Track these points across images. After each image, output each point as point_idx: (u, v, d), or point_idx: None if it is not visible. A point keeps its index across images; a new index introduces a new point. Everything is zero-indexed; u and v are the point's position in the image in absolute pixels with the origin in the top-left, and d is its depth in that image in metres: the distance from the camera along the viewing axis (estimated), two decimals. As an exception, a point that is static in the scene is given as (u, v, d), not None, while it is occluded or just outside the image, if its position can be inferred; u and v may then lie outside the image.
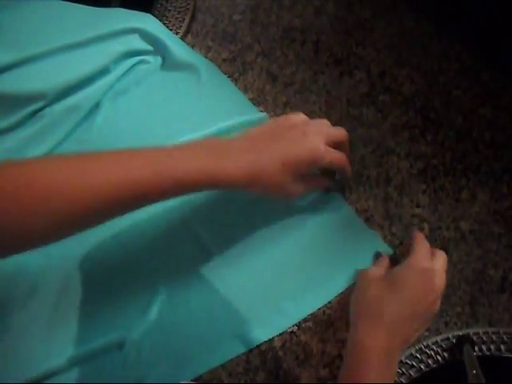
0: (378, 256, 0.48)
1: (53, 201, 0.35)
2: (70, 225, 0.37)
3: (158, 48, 0.60)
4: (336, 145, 0.46)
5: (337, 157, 0.45)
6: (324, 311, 0.47)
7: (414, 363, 0.45)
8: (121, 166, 0.38)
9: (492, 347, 0.45)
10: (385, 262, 0.47)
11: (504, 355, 0.45)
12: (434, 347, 0.46)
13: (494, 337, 0.46)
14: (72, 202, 0.36)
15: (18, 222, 0.35)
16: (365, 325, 0.41)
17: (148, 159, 0.39)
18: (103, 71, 0.57)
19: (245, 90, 0.60)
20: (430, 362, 0.45)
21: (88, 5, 0.60)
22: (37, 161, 0.40)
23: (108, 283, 0.48)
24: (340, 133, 0.47)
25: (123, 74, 0.59)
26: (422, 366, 0.45)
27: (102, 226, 0.41)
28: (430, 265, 0.43)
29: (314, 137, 0.44)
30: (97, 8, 0.60)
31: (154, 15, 0.62)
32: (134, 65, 0.59)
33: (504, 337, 0.45)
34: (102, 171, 0.37)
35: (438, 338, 0.46)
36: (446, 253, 0.49)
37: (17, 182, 0.35)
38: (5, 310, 0.46)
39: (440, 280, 0.43)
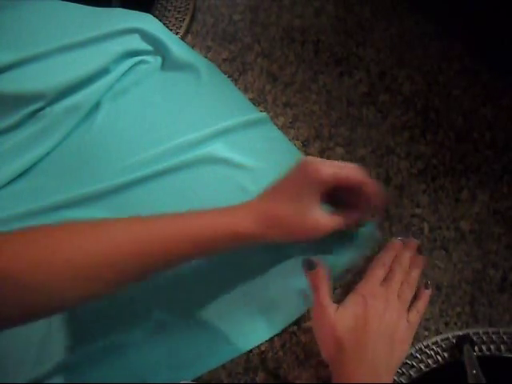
0: (310, 266, 0.44)
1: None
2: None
3: (158, 48, 0.60)
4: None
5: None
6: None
7: (414, 363, 0.45)
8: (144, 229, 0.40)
9: (492, 347, 0.45)
10: (326, 287, 0.44)
11: (504, 355, 0.45)
12: (434, 347, 0.46)
13: (494, 337, 0.46)
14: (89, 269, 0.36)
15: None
16: (349, 366, 0.40)
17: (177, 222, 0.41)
18: (103, 71, 0.57)
19: (245, 90, 0.60)
20: (430, 362, 0.45)
21: (88, 5, 0.60)
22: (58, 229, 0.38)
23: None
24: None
25: (123, 74, 0.59)
26: (422, 366, 0.45)
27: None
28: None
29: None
30: (97, 8, 0.60)
31: (154, 15, 0.62)
32: (134, 65, 0.59)
33: (504, 337, 0.45)
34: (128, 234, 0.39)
35: (438, 338, 0.46)
36: (446, 253, 0.50)
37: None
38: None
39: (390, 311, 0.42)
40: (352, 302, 0.43)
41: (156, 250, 0.39)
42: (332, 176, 0.42)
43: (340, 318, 0.42)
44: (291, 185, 0.44)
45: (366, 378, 0.39)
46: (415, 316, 0.44)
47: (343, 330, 0.41)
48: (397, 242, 0.48)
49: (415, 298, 0.45)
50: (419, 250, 0.48)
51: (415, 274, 0.46)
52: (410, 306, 0.44)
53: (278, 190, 0.44)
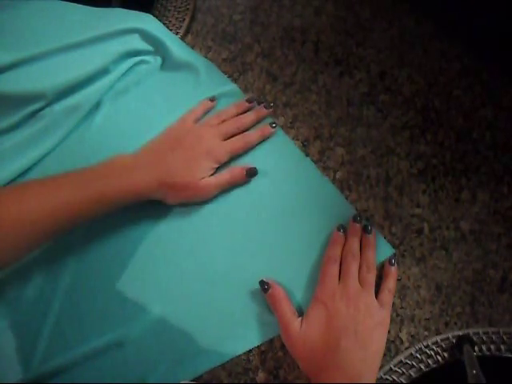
0: (264, 288, 0.45)
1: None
2: (17, 248, 0.42)
3: (158, 48, 0.60)
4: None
5: (234, 145, 0.51)
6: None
7: (414, 363, 0.45)
8: (52, 192, 0.43)
9: (492, 347, 0.45)
10: (285, 306, 0.45)
11: (504, 355, 0.45)
12: (434, 347, 0.46)
13: (493, 337, 0.46)
14: (14, 229, 0.40)
15: None
16: (327, 375, 0.40)
17: (77, 183, 0.44)
18: (103, 71, 0.57)
19: (245, 90, 0.60)
20: (429, 362, 0.45)
21: (88, 5, 0.60)
22: None
23: (108, 282, 0.48)
24: (230, 124, 0.52)
25: (123, 74, 0.59)
26: (422, 366, 0.45)
27: (102, 224, 0.47)
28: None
29: (209, 138, 0.50)
30: (97, 8, 0.60)
31: (154, 15, 0.62)
32: (134, 65, 0.59)
33: (504, 337, 0.45)
34: (37, 198, 0.42)
35: (438, 338, 0.46)
36: (446, 253, 0.50)
37: None
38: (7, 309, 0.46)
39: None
40: (313, 312, 0.43)
41: (65, 211, 0.43)
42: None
43: (305, 331, 0.42)
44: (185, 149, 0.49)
45: (345, 380, 0.39)
46: (387, 296, 0.44)
47: (311, 343, 0.41)
48: (338, 233, 0.48)
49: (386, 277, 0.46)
50: (365, 230, 0.48)
51: (370, 254, 0.46)
52: (380, 286, 0.45)
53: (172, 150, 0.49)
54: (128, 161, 0.47)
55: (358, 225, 0.48)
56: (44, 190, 0.43)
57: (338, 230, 0.48)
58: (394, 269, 0.47)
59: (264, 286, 0.45)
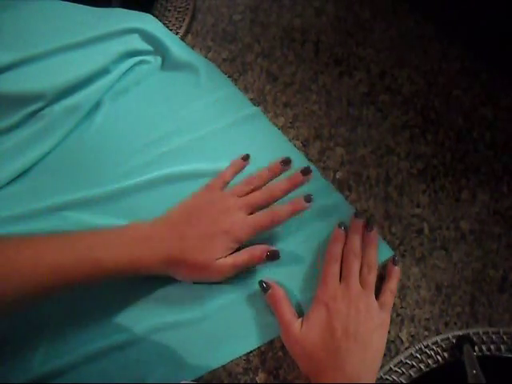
0: (264, 288, 0.45)
1: None
2: (3, 304, 0.39)
3: (158, 48, 0.60)
4: None
5: (259, 222, 0.45)
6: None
7: (414, 363, 0.45)
8: (49, 252, 0.40)
9: (492, 347, 0.45)
10: (285, 306, 0.44)
11: (504, 355, 0.45)
12: (434, 347, 0.45)
13: (493, 337, 0.46)
14: (2, 283, 0.38)
15: None
16: (327, 377, 0.40)
17: (73, 246, 0.41)
18: (103, 71, 0.57)
19: (245, 90, 0.60)
20: (429, 362, 0.45)
21: (88, 5, 0.60)
22: None
23: (109, 284, 0.48)
24: (259, 197, 0.47)
25: (123, 74, 0.59)
26: (422, 366, 0.45)
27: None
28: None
29: (235, 211, 0.45)
30: (97, 8, 0.60)
31: (154, 15, 0.62)
32: (134, 65, 0.59)
33: (504, 337, 0.45)
34: (32, 256, 0.39)
35: (438, 338, 0.46)
36: (446, 253, 0.50)
37: None
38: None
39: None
40: (314, 313, 0.43)
41: (60, 276, 0.40)
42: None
43: (306, 333, 0.42)
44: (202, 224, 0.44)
45: (345, 381, 0.39)
46: (388, 297, 0.44)
47: (311, 344, 0.41)
48: (339, 230, 0.47)
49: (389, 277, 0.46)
50: (367, 227, 0.47)
51: (371, 253, 0.46)
52: (382, 287, 0.45)
53: (186, 226, 0.45)
54: (142, 231, 0.44)
55: (359, 221, 0.48)
56: (42, 246, 0.41)
57: (339, 226, 0.48)
58: (397, 269, 0.46)
59: (263, 286, 0.45)
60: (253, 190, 0.47)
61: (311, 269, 0.48)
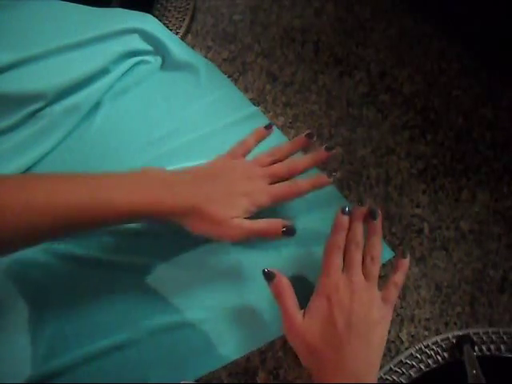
0: (268, 277, 0.43)
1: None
2: (20, 239, 0.38)
3: (158, 48, 0.60)
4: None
5: (279, 192, 0.45)
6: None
7: (414, 363, 0.45)
8: (64, 190, 0.39)
9: (492, 347, 0.45)
10: (289, 297, 0.43)
11: (504, 355, 0.45)
12: (434, 347, 0.46)
13: (493, 337, 0.46)
14: (18, 219, 0.37)
15: None
16: (328, 371, 0.39)
17: (89, 186, 0.40)
18: (103, 71, 0.57)
19: (245, 90, 0.60)
20: (430, 362, 0.45)
21: (88, 5, 0.60)
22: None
23: (109, 284, 0.48)
24: (281, 168, 0.46)
25: (123, 74, 0.59)
26: (422, 366, 0.45)
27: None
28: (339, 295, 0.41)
29: (255, 179, 0.45)
30: (97, 8, 0.60)
31: (154, 15, 0.62)
32: (134, 65, 0.59)
33: (504, 337, 0.45)
34: (46, 194, 0.38)
35: (438, 338, 0.46)
36: (446, 253, 0.50)
37: None
38: (6, 309, 0.46)
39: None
40: (316, 305, 0.42)
41: (76, 217, 0.39)
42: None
43: (308, 325, 0.41)
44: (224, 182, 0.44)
45: (346, 379, 0.38)
46: (392, 291, 0.42)
47: (313, 337, 0.40)
48: (341, 216, 0.45)
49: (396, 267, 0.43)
50: (371, 215, 0.45)
51: (376, 242, 0.44)
52: (387, 280, 0.43)
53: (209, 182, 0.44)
54: (165, 176, 0.44)
55: (361, 208, 0.45)
56: (51, 186, 0.40)
57: (343, 211, 0.45)
58: (405, 261, 0.44)
59: (267, 274, 0.43)
60: (274, 162, 0.47)
61: (310, 270, 0.47)
